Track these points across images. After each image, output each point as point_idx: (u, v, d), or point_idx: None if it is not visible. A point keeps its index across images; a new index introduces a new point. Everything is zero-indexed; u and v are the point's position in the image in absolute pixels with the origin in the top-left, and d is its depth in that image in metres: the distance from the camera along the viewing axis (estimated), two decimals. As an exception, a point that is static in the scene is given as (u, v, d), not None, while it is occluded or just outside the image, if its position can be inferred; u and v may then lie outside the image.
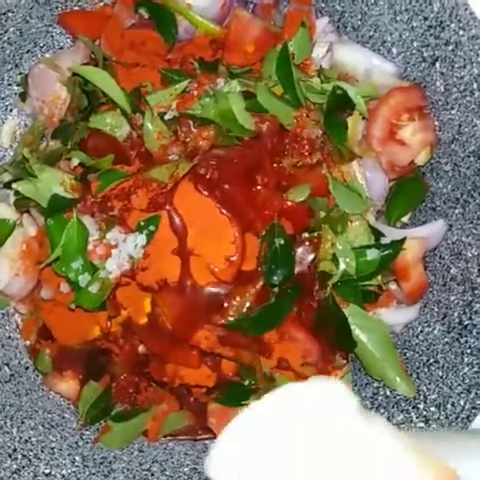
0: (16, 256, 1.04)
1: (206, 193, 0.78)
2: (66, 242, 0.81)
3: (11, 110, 1.09)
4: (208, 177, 0.80)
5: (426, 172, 0.95)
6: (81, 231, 0.80)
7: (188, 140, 0.81)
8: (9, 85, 1.07)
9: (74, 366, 1.03)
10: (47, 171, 0.85)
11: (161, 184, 0.78)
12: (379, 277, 0.87)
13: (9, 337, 1.06)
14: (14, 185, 0.86)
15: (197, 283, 0.82)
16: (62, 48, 1.08)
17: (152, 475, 0.96)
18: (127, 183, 0.81)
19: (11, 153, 1.10)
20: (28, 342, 1.06)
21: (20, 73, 1.06)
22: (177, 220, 0.78)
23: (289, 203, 0.83)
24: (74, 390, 1.02)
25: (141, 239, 0.78)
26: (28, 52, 1.05)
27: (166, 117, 0.82)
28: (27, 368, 1.04)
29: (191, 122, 0.81)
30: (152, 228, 0.77)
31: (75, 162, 0.85)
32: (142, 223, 0.78)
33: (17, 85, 1.07)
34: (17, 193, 0.91)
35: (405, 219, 0.97)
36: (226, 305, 0.83)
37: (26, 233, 1.03)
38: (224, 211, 0.78)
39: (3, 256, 1.04)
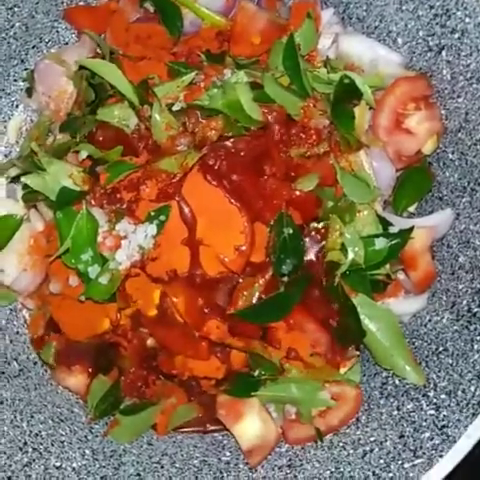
0: (24, 251, 1.04)
1: (215, 183, 0.79)
2: (76, 234, 0.81)
3: (17, 106, 1.09)
4: (217, 167, 0.80)
5: (432, 162, 0.96)
6: (91, 223, 0.81)
7: (196, 131, 0.81)
8: (15, 81, 1.07)
9: (82, 360, 1.03)
10: (56, 164, 0.85)
11: (170, 175, 0.79)
12: (387, 266, 0.87)
13: (17, 332, 1.06)
14: (23, 178, 0.86)
15: (207, 273, 0.82)
16: (67, 43, 1.09)
17: (162, 467, 0.96)
18: (136, 174, 0.81)
19: (17, 149, 1.10)
20: (32, 334, 1.06)
21: (26, 69, 1.07)
22: (186, 210, 0.79)
23: (297, 193, 0.83)
24: (82, 384, 1.02)
25: (151, 229, 0.78)
26: (34, 47, 1.06)
27: (174, 108, 0.82)
28: (35, 363, 1.04)
29: (199, 113, 0.82)
30: (163, 218, 0.78)
31: (83, 155, 0.86)
32: (152, 213, 0.78)
33: (23, 81, 1.07)
34: (25, 187, 0.91)
35: (412, 209, 0.97)
36: (236, 295, 0.83)
37: (33, 228, 1.04)
38: (233, 201, 0.78)
39: (11, 251, 1.04)
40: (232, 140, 0.82)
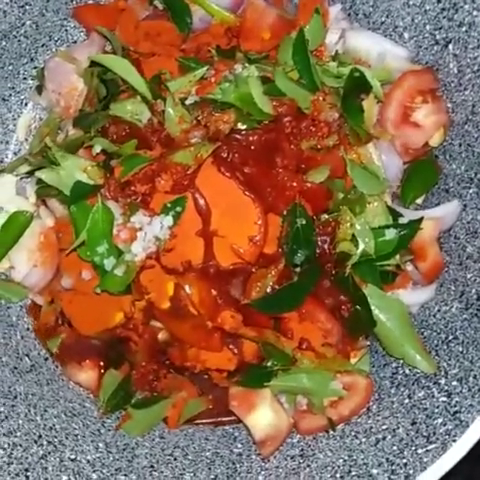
0: (34, 247, 1.05)
1: (229, 175, 0.80)
2: (91, 227, 0.82)
3: (26, 104, 1.10)
4: (230, 160, 0.81)
5: (439, 154, 0.97)
6: (106, 215, 0.82)
7: (209, 124, 0.82)
8: (24, 79, 1.08)
9: (92, 356, 1.04)
10: (70, 159, 0.86)
11: (185, 167, 0.80)
12: (397, 257, 0.89)
13: (28, 329, 1.07)
14: (37, 173, 0.88)
15: (220, 264, 0.83)
16: (76, 42, 1.10)
17: (175, 459, 0.97)
18: (150, 167, 0.83)
19: (27, 146, 1.11)
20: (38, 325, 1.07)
21: (35, 67, 1.08)
22: (201, 202, 0.80)
23: (308, 185, 0.84)
24: (93, 379, 1.03)
25: (168, 220, 0.79)
26: (43, 46, 1.07)
27: (187, 102, 0.84)
28: (46, 359, 1.05)
29: (211, 107, 0.83)
30: (179, 209, 0.79)
31: (97, 149, 0.87)
32: (169, 205, 0.80)
33: (32, 79, 1.09)
34: (39, 182, 0.93)
35: (419, 201, 0.99)
36: (249, 286, 0.84)
37: (43, 224, 1.05)
38: (247, 192, 0.80)
39: (21, 248, 1.05)
40: (244, 133, 0.83)
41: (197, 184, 0.81)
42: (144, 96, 0.85)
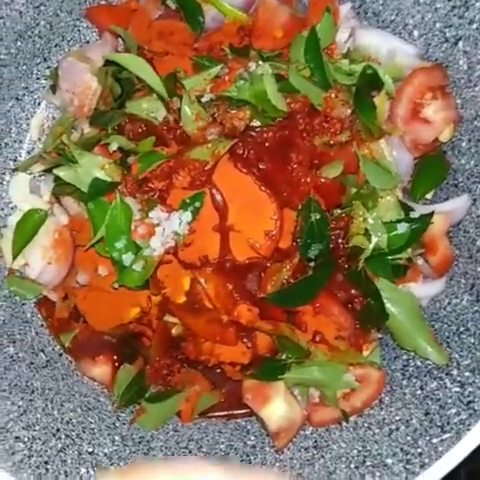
0: (48, 245, 1.07)
1: (245, 171, 0.82)
2: (110, 223, 0.84)
3: (39, 103, 1.12)
4: (245, 156, 0.83)
5: (447, 150, 0.99)
6: (125, 211, 0.83)
7: (224, 121, 0.84)
8: (38, 79, 1.10)
9: (106, 351, 1.05)
10: (87, 156, 0.88)
11: (202, 163, 0.81)
12: (409, 250, 0.90)
13: (42, 325, 1.08)
14: (55, 171, 0.89)
15: (236, 259, 0.85)
16: (88, 42, 1.11)
17: (190, 452, 0.98)
18: (167, 164, 0.84)
19: (40, 145, 1.13)
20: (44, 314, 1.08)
21: (48, 67, 1.09)
22: (218, 197, 0.82)
23: (322, 180, 0.86)
24: (107, 374, 1.04)
25: (186, 216, 0.81)
26: (56, 46, 1.08)
27: (203, 100, 0.85)
28: (61, 354, 1.06)
29: (227, 104, 0.84)
30: (197, 204, 0.80)
31: (114, 146, 0.88)
32: (187, 200, 0.81)
33: (45, 79, 1.10)
34: (56, 180, 0.94)
35: (428, 196, 1.00)
36: (265, 280, 0.86)
37: (58, 222, 1.06)
38: (263, 187, 0.81)
39: (36, 245, 1.06)
40: (259, 130, 0.85)
41: (214, 180, 0.82)
42: (160, 94, 0.86)
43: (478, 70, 0.88)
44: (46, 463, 0.87)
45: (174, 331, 1.00)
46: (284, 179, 0.84)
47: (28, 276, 1.07)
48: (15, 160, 1.11)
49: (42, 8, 0.99)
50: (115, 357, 1.05)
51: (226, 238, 0.84)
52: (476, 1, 0.83)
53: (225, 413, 1.04)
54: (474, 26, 0.85)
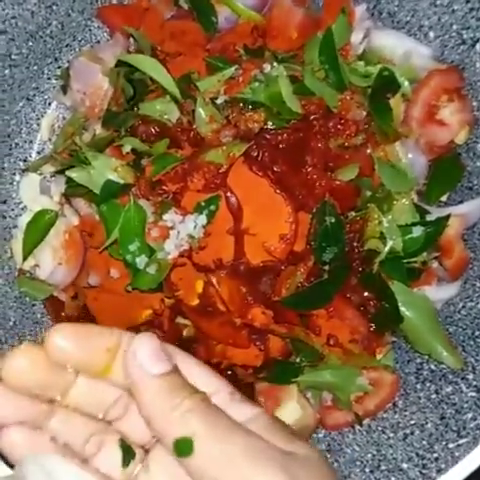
0: (59, 246, 1.06)
1: (261, 174, 0.81)
2: (123, 225, 0.83)
3: (50, 104, 1.11)
4: (260, 158, 0.82)
5: (462, 152, 0.98)
6: (138, 213, 0.82)
7: (239, 123, 0.83)
8: (48, 79, 1.09)
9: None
10: (100, 158, 0.87)
11: (217, 166, 0.81)
12: (424, 253, 0.89)
13: (52, 325, 1.08)
14: (67, 172, 0.88)
15: (250, 262, 0.84)
16: (99, 42, 1.10)
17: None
18: (181, 166, 0.83)
19: (50, 146, 1.12)
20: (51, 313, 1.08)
21: (59, 67, 1.08)
22: (233, 200, 0.81)
23: (337, 182, 0.85)
24: (117, 377, 1.04)
25: (202, 219, 0.80)
26: (67, 46, 1.08)
27: (217, 102, 0.85)
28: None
29: (241, 106, 0.84)
30: (213, 208, 0.80)
31: (127, 148, 0.88)
32: (203, 203, 0.80)
33: (56, 79, 1.09)
34: (68, 181, 0.93)
35: (443, 199, 1.00)
36: (279, 283, 0.85)
37: (68, 223, 1.06)
38: (278, 190, 0.81)
39: (46, 246, 1.06)
40: (273, 132, 0.84)
41: (228, 183, 0.82)
42: (174, 96, 0.86)
43: (495, 72, 0.87)
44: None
45: (185, 333, 0.99)
46: (299, 182, 0.84)
47: (38, 277, 1.07)
48: (25, 160, 1.11)
49: (54, 8, 0.98)
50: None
51: (240, 241, 0.83)
52: (495, 3, 0.82)
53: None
54: (492, 28, 0.85)
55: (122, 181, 0.86)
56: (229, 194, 0.81)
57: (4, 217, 1.09)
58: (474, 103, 0.93)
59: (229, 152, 0.80)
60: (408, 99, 0.91)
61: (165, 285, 0.86)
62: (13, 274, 1.07)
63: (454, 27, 0.89)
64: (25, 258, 1.05)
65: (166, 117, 0.88)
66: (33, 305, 1.08)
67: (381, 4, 0.97)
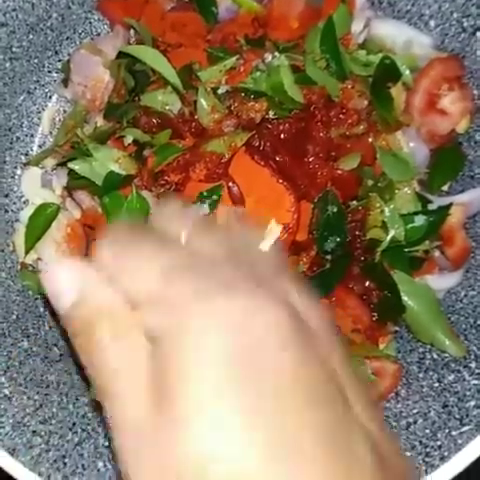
0: (60, 239, 1.06)
1: (263, 163, 0.81)
2: (126, 216, 0.83)
3: (51, 97, 1.11)
4: (262, 148, 0.82)
5: (463, 141, 0.98)
6: (141, 204, 0.83)
7: (240, 113, 0.83)
8: (49, 72, 1.09)
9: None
10: (102, 150, 0.87)
11: (219, 156, 0.81)
12: (427, 242, 0.90)
13: (54, 320, 1.08)
14: (70, 164, 0.88)
15: (253, 252, 0.84)
16: (99, 34, 1.10)
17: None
18: (183, 157, 0.83)
19: (51, 139, 1.12)
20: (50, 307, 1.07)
21: (59, 60, 1.08)
22: (235, 190, 0.81)
23: (339, 172, 0.85)
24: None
25: (204, 209, 0.80)
26: (67, 39, 1.07)
27: (219, 92, 0.85)
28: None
29: (243, 96, 0.84)
30: (215, 197, 0.80)
31: (129, 140, 0.88)
32: (205, 193, 0.80)
33: (56, 72, 1.09)
34: (70, 174, 0.93)
35: (444, 188, 1.00)
36: (282, 273, 0.85)
37: (70, 216, 1.06)
38: (281, 180, 0.81)
39: (48, 240, 1.06)
40: (275, 122, 0.84)
41: (231, 172, 0.82)
42: (175, 86, 0.86)
43: (496, 60, 0.87)
44: (63, 457, 0.87)
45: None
46: (301, 171, 0.84)
47: (40, 271, 1.07)
48: (27, 154, 1.11)
49: (54, 0, 0.98)
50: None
51: (243, 231, 0.83)
52: (496, -10, 0.82)
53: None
54: (493, 15, 0.85)
55: (124, 172, 0.86)
56: (231, 184, 0.81)
57: (6, 211, 1.09)
58: (475, 91, 0.93)
59: (231, 142, 0.80)
60: (409, 88, 0.91)
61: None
62: (15, 268, 1.07)
63: (454, 15, 0.89)
64: (27, 252, 1.05)
65: (168, 108, 0.88)
66: (36, 299, 1.08)
67: (381, -6, 0.97)
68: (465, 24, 0.89)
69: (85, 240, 1.04)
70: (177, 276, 0.44)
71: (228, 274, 0.45)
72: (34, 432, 0.87)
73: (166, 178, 0.84)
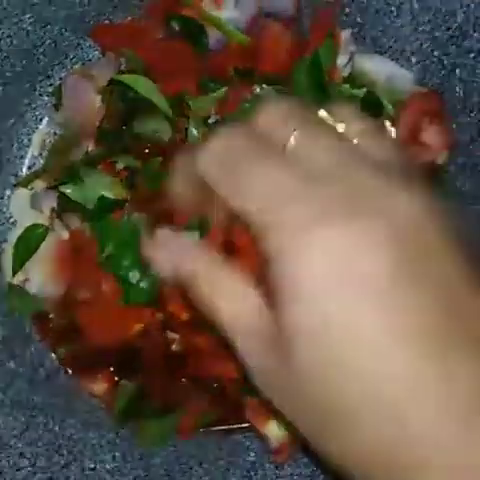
0: (49, 260, 1.07)
1: (251, 191, 0.83)
2: (117, 241, 0.85)
3: (41, 119, 1.12)
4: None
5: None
6: (132, 229, 0.84)
7: (230, 143, 0.86)
8: (40, 95, 1.11)
9: (105, 366, 1.05)
10: (93, 174, 0.89)
11: (209, 183, 0.83)
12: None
13: (40, 340, 1.08)
14: (61, 188, 0.90)
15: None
16: (90, 60, 1.12)
17: (190, 468, 0.99)
18: (174, 183, 0.86)
19: (41, 161, 1.13)
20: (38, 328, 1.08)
21: (51, 84, 1.10)
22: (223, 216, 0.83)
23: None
24: (105, 390, 1.05)
25: (194, 235, 0.82)
26: (59, 64, 1.10)
27: (210, 121, 0.87)
28: (59, 370, 1.07)
29: (233, 125, 0.86)
30: (205, 225, 0.82)
31: (120, 165, 0.90)
32: (194, 221, 0.82)
33: (47, 95, 1.11)
34: (59, 197, 0.95)
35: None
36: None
37: (58, 237, 1.07)
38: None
39: (36, 260, 1.07)
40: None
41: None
42: (167, 114, 0.88)
43: (475, 96, 0.91)
44: (50, 479, 0.88)
45: (174, 347, 1.01)
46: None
47: (28, 291, 1.07)
48: (16, 175, 1.12)
49: (48, 27, 1.00)
50: (114, 373, 1.06)
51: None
52: (474, 32, 0.86)
53: (225, 428, 1.05)
54: (471, 55, 0.89)
55: (115, 197, 0.88)
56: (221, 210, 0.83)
57: (-6, 231, 1.10)
58: (454, 126, 0.97)
59: (221, 170, 0.82)
60: (392, 122, 0.95)
61: (157, 299, 0.87)
62: (3, 289, 1.07)
63: (435, 53, 0.93)
64: (15, 272, 1.06)
65: (158, 135, 0.90)
66: (22, 320, 1.08)
67: (365, 30, 1.01)
68: (445, 62, 0.93)
69: (73, 261, 1.05)
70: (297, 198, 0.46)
71: (345, 191, 0.43)
72: (21, 454, 0.87)
73: (157, 204, 0.86)
